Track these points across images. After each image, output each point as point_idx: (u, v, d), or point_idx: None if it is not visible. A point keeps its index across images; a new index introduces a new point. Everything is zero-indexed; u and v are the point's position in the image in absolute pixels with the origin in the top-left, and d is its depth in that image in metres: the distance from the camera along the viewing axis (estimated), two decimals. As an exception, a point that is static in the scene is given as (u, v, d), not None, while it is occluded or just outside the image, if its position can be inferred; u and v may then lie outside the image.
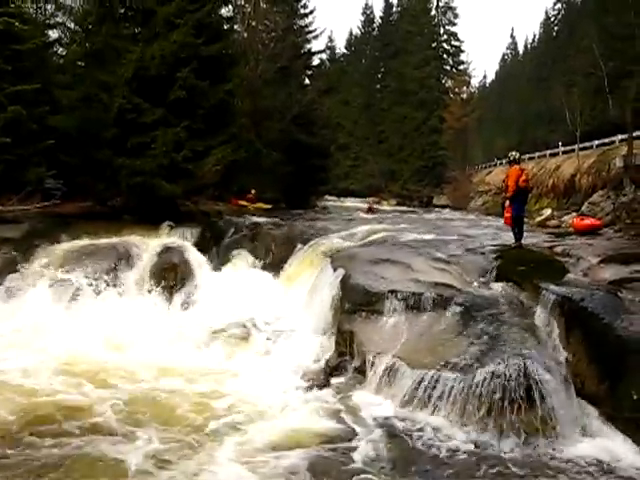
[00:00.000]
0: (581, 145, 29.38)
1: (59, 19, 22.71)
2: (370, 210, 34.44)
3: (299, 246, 15.27)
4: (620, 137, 26.06)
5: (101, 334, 10.84)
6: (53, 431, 6.91)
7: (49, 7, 23.38)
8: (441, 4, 62.85)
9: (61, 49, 21.81)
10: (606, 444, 6.95)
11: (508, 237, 13.06)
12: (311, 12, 38.73)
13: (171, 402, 8.05)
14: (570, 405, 7.36)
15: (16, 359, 9.44)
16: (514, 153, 12.77)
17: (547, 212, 24.19)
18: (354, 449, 6.78)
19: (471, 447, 6.83)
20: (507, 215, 12.23)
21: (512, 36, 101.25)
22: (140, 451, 6.53)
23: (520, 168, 12.37)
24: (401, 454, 6.69)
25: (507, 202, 12.11)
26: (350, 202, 50.91)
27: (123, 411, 7.64)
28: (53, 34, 22.34)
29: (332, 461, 6.50)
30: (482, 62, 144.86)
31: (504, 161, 15.79)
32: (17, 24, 16.18)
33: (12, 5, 16.67)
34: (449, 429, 7.20)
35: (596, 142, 28.64)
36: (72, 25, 20.75)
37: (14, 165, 15.24)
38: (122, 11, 18.25)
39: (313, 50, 39.79)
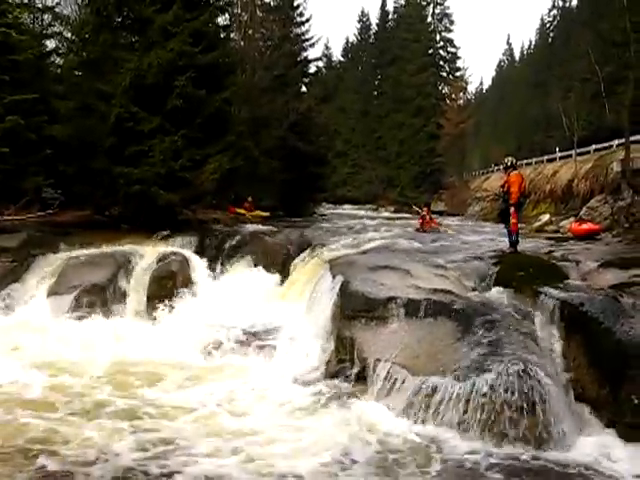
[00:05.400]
0: (578, 150, 29.33)
1: (56, 29, 22.85)
2: (424, 224, 22.90)
3: (299, 253, 15.26)
4: (617, 142, 26.02)
5: (102, 345, 10.84)
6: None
7: (46, 17, 23.52)
8: (437, 11, 63.08)
9: (58, 59, 21.92)
10: (607, 449, 6.93)
11: (507, 243, 13.05)
12: (307, 20, 38.92)
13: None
14: (570, 410, 7.35)
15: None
16: (510, 158, 12.78)
17: (545, 217, 24.21)
18: (352, 456, 6.75)
19: (472, 453, 6.81)
20: (514, 221, 12.23)
21: (508, 42, 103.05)
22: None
23: (520, 174, 12.42)
24: (400, 462, 6.66)
25: (512, 209, 12.11)
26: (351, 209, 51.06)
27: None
28: (50, 44, 22.51)
29: (329, 468, 6.48)
30: (479, 68, 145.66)
31: (501, 167, 15.95)
32: (14, 34, 16.23)
33: (9, 16, 16.72)
34: (450, 436, 7.17)
35: (593, 147, 28.61)
36: (69, 35, 20.79)
37: (12, 174, 15.27)
38: (119, 20, 18.31)
39: (309, 58, 39.97)
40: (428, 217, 23.33)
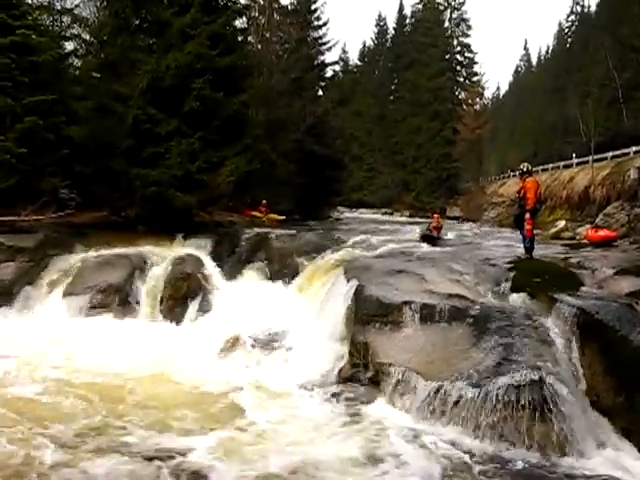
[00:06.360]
0: (595, 156, 29.16)
1: (75, 31, 23.02)
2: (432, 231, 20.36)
3: (313, 257, 15.25)
4: (635, 148, 25.87)
5: (115, 347, 10.88)
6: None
7: (65, 19, 23.71)
8: (454, 16, 63.03)
9: (76, 60, 22.04)
10: (621, 458, 6.88)
11: (522, 249, 12.96)
12: (325, 24, 38.95)
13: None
14: (585, 418, 7.29)
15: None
16: (525, 164, 12.75)
17: (561, 224, 24.07)
18: (352, 448, 6.87)
19: (485, 459, 6.78)
20: (529, 227, 12.17)
21: (525, 48, 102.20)
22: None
23: (535, 180, 12.37)
24: (414, 466, 6.64)
25: (527, 215, 12.06)
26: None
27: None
28: (69, 46, 22.65)
29: (342, 473, 6.46)
30: (495, 74, 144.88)
31: (517, 173, 15.91)
32: (34, 36, 16.36)
33: (29, 17, 16.86)
34: (463, 441, 7.15)
35: (610, 154, 28.42)
36: (88, 37, 20.99)
37: (30, 175, 15.35)
38: (137, 22, 18.45)
39: (326, 61, 39.97)
40: (437, 223, 20.84)
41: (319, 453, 6.82)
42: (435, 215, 22.24)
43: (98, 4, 20.40)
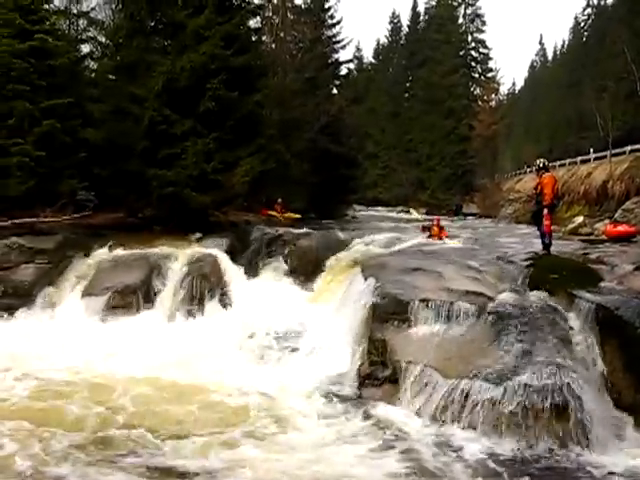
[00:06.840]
0: (613, 151, 28.81)
1: (91, 34, 23.27)
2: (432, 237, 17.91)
3: (329, 255, 15.25)
4: (654, 142, 25.60)
5: (133, 347, 10.95)
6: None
7: (81, 22, 23.93)
8: (469, 12, 62.69)
9: (92, 63, 22.22)
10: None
11: (540, 245, 12.88)
12: (338, 22, 38.83)
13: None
14: (606, 415, 7.25)
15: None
16: (542, 160, 12.66)
17: (579, 219, 23.83)
18: (387, 461, 6.74)
19: (505, 457, 6.76)
20: (547, 223, 12.08)
21: (541, 42, 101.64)
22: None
23: (552, 175, 12.29)
24: (434, 465, 6.63)
25: (546, 211, 11.97)
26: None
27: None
28: (85, 48, 22.88)
29: (363, 472, 6.47)
30: (511, 69, 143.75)
31: (533, 169, 15.53)
32: (51, 40, 16.51)
33: (47, 22, 17.02)
34: (482, 438, 7.14)
35: (629, 147, 28.06)
36: (103, 39, 21.14)
37: (48, 177, 15.51)
38: (152, 24, 18.51)
39: (340, 60, 39.86)
40: (437, 229, 18.21)
41: (358, 473, 6.52)
42: (436, 218, 19.69)
43: (113, 7, 20.53)
